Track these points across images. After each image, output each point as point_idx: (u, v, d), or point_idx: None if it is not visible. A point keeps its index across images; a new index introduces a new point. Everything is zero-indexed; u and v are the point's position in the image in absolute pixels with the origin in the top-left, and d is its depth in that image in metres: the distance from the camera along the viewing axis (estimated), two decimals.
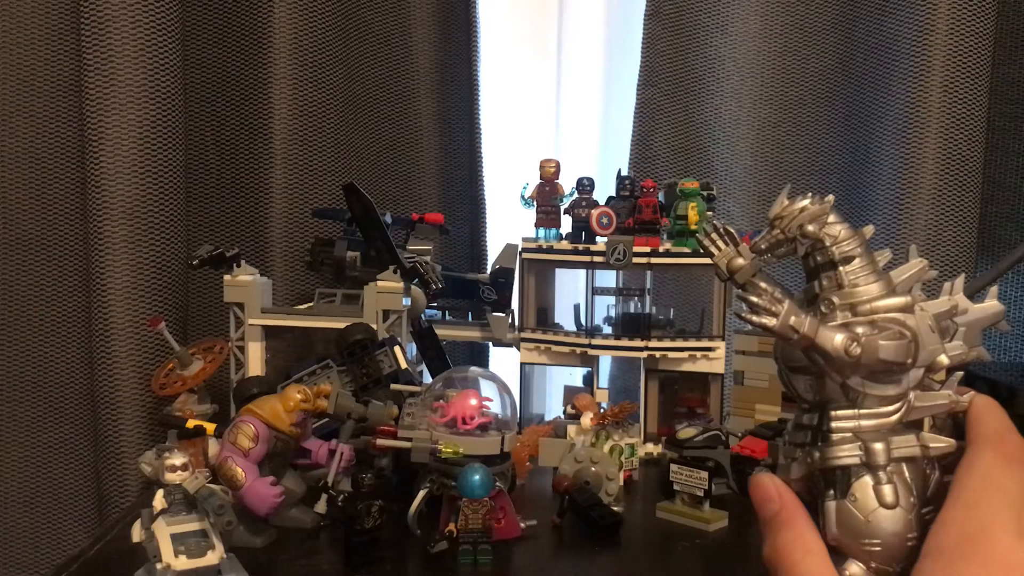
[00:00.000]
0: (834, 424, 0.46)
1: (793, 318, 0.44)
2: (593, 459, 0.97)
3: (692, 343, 1.18)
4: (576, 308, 1.25)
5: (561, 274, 1.27)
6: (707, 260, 0.48)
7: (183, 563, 0.70)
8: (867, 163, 1.33)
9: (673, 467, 0.94)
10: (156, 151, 1.18)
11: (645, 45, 1.40)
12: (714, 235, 0.48)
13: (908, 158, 1.24)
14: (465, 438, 0.88)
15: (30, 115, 1.22)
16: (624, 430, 1.08)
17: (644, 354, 1.18)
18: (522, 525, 0.89)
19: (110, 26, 1.14)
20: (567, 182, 1.21)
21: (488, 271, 1.32)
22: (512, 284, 1.27)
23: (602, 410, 1.09)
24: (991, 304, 0.50)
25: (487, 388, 0.94)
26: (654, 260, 1.17)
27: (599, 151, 1.57)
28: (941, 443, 0.46)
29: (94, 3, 1.13)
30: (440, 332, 1.29)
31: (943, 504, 0.43)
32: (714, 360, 1.18)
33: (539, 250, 1.21)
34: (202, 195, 1.32)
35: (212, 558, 0.71)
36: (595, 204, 1.19)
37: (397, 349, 1.07)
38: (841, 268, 0.46)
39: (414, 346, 1.26)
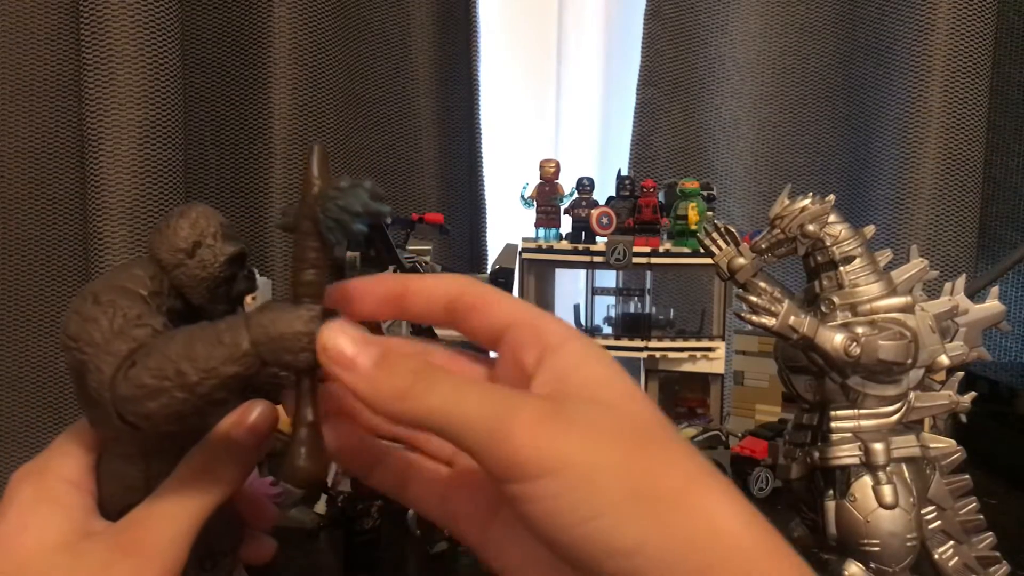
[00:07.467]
0: (834, 424, 0.46)
1: (793, 318, 0.44)
2: None
3: (692, 343, 1.18)
4: (576, 308, 1.25)
5: (561, 274, 1.27)
6: (707, 260, 0.48)
7: None
8: (867, 163, 1.33)
9: None
10: (156, 151, 1.17)
11: (645, 45, 1.40)
12: (715, 235, 0.48)
13: (908, 158, 1.24)
14: None
15: (30, 115, 1.22)
16: None
17: (644, 354, 1.17)
18: None
19: (110, 26, 1.13)
20: (567, 182, 1.21)
21: (488, 271, 1.32)
22: (512, 284, 1.27)
23: None
24: (992, 304, 0.50)
25: None
26: (654, 260, 1.16)
27: (599, 151, 1.57)
28: (941, 443, 0.46)
29: (94, 3, 1.13)
30: (440, 332, 1.29)
31: None
32: (714, 360, 1.18)
33: (539, 250, 1.21)
34: (202, 195, 1.32)
35: None
36: (595, 204, 1.18)
37: None
38: (841, 268, 0.46)
39: None
